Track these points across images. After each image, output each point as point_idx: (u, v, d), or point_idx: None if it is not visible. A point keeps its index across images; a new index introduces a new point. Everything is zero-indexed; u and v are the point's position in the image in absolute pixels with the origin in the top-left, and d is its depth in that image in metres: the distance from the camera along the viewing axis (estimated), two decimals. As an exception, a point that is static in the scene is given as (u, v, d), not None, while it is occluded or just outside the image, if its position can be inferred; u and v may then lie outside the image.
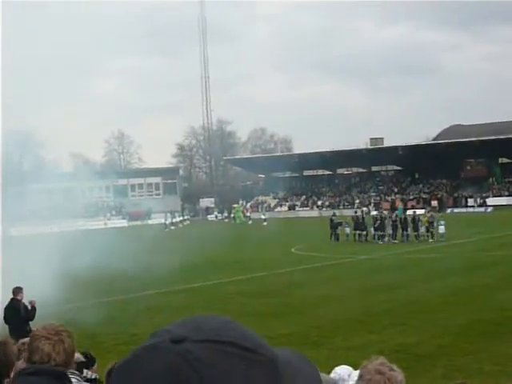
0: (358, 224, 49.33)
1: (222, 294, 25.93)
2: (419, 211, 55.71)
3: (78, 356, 5.85)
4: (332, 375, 4.95)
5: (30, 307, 14.83)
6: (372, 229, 48.50)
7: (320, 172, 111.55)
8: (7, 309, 14.87)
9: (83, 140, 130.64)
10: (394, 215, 51.62)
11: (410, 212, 58.58)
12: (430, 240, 45.45)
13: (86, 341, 14.71)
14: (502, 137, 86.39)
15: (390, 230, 47.82)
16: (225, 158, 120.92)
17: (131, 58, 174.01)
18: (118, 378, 1.17)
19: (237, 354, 1.13)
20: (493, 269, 28.87)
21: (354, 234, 49.25)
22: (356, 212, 57.20)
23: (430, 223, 47.07)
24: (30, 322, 14.43)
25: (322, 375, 4.48)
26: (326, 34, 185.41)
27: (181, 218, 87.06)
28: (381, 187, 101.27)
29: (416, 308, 20.95)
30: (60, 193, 60.11)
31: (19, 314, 14.61)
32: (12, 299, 14.97)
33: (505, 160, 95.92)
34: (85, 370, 6.96)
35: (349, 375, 4.90)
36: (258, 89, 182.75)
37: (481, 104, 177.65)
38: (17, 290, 14.97)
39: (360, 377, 3.82)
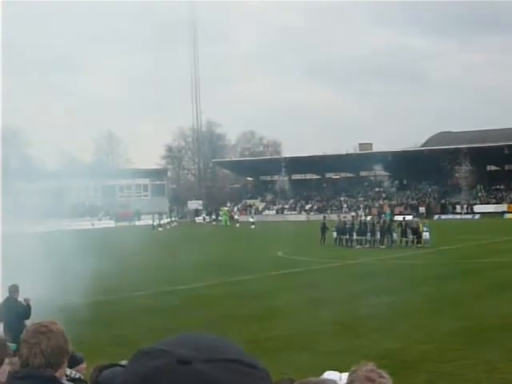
0: (346, 229, 49.26)
1: (207, 296, 25.81)
2: (408, 217, 55.78)
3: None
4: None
5: (25, 305, 14.54)
6: (354, 233, 48.51)
7: (308, 176, 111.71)
8: (5, 307, 14.46)
9: (71, 139, 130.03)
10: (381, 220, 51.64)
11: (399, 217, 58.61)
12: (415, 246, 45.56)
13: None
14: (489, 144, 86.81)
15: (378, 235, 47.81)
16: (213, 160, 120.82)
17: (121, 57, 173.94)
18: None
19: (244, 371, 1.13)
20: (478, 276, 28.92)
21: (341, 239, 49.20)
22: (345, 217, 57.13)
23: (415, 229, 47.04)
24: (26, 321, 14.15)
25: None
26: (316, 37, 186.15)
27: (168, 220, 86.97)
28: (369, 192, 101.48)
29: (401, 314, 20.94)
30: (47, 192, 59.89)
31: (16, 312, 14.22)
32: (8, 297, 14.62)
33: (492, 168, 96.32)
34: (68, 370, 6.85)
35: (340, 378, 4.83)
36: (248, 91, 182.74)
37: (469, 111, 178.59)
38: (13, 288, 14.65)
39: (350, 382, 3.78)
